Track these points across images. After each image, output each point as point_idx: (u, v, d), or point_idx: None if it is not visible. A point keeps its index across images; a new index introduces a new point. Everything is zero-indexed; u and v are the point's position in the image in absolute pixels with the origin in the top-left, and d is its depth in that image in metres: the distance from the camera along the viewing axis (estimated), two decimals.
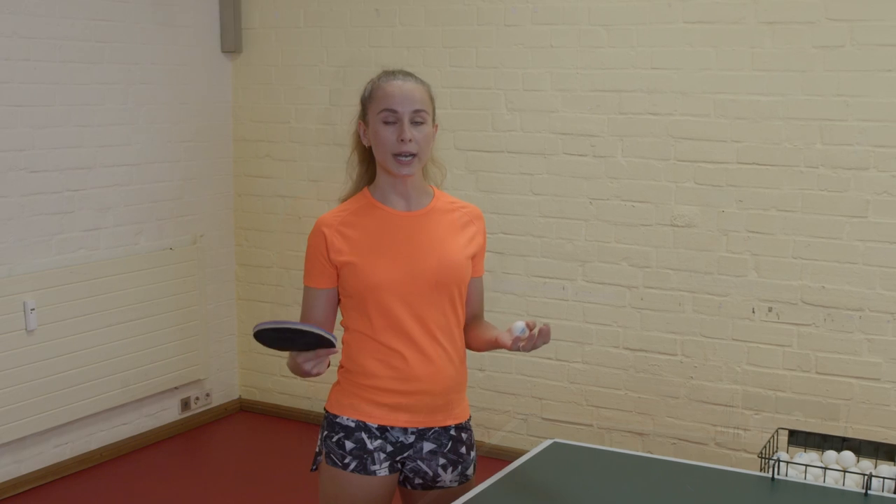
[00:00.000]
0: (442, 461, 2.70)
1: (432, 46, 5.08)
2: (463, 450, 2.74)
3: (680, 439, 4.76)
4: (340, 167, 5.47)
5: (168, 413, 5.45)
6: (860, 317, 4.35)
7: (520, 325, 2.49)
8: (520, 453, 4.87)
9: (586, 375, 4.93)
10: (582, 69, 4.77)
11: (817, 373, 4.45)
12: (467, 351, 2.79)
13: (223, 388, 5.81)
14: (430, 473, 2.70)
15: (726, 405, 4.64)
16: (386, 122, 2.57)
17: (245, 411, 5.89)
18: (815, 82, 4.31)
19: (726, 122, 4.49)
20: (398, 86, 2.59)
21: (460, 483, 2.74)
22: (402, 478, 2.73)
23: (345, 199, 2.72)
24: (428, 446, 2.69)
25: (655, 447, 4.78)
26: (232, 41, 5.55)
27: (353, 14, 5.28)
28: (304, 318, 2.68)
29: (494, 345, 2.65)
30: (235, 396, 5.91)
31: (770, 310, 4.51)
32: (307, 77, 5.46)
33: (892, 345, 4.31)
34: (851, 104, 4.25)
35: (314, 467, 2.75)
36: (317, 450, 2.74)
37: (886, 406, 4.35)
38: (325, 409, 2.73)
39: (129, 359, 5.12)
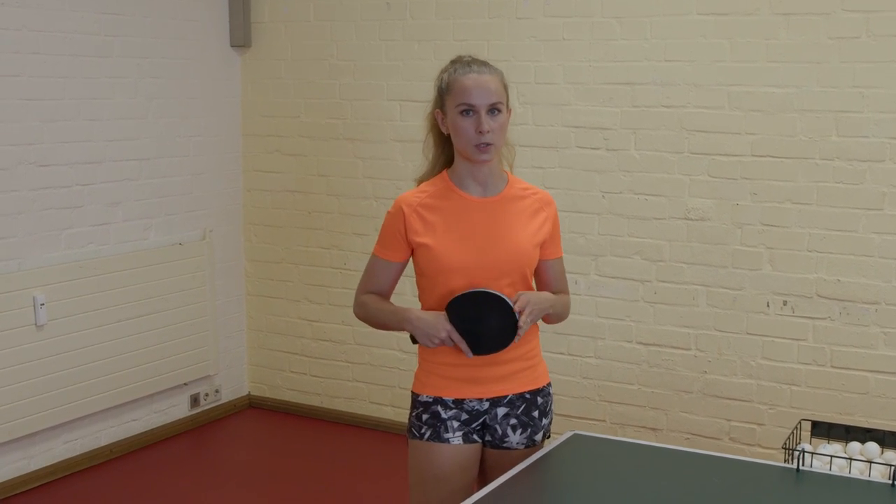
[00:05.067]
0: (513, 422, 2.82)
1: (443, 40, 5.05)
2: (535, 413, 2.85)
3: (694, 434, 4.73)
4: (351, 162, 5.48)
5: (177, 409, 5.43)
6: (876, 310, 4.32)
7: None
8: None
9: (599, 370, 4.90)
10: (594, 62, 4.74)
11: (833, 367, 4.42)
12: None
13: (232, 384, 5.78)
14: (500, 432, 2.82)
15: (741, 400, 4.61)
16: (464, 115, 2.70)
17: (254, 407, 5.86)
18: (830, 74, 4.28)
19: (740, 114, 4.47)
20: (475, 79, 2.70)
21: (527, 446, 2.85)
22: (475, 437, 2.83)
23: (422, 181, 2.87)
24: (502, 411, 2.82)
25: (669, 442, 4.74)
26: (241, 35, 5.53)
27: (364, 7, 5.25)
28: (370, 282, 2.87)
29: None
30: (245, 393, 5.88)
31: (785, 303, 4.48)
32: (317, 71, 5.43)
33: None
34: (867, 95, 4.22)
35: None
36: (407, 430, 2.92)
37: None
38: (411, 391, 2.90)
39: (139, 354, 5.09)
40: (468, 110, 2.68)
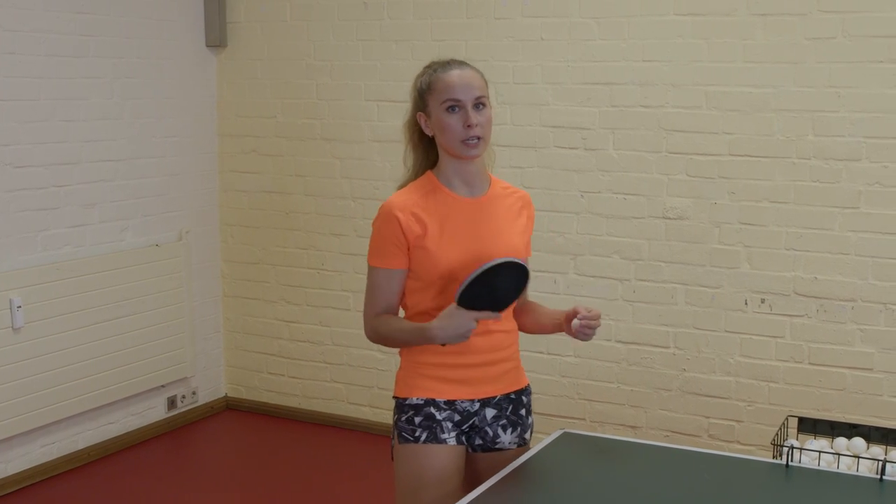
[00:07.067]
0: (503, 422, 2.83)
1: (421, 40, 5.05)
2: (522, 412, 2.88)
3: (673, 431, 4.76)
4: (328, 162, 5.47)
5: (154, 412, 5.39)
6: (852, 307, 4.37)
7: (576, 323, 2.72)
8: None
9: (578, 369, 4.92)
10: (573, 62, 4.76)
11: (810, 363, 4.47)
12: None
13: (209, 385, 5.75)
14: (491, 434, 2.83)
15: (719, 397, 4.65)
16: (450, 111, 2.68)
17: (232, 409, 5.84)
18: (806, 74, 4.33)
19: (718, 114, 4.50)
20: (458, 75, 2.71)
21: (518, 445, 2.87)
22: (463, 441, 2.83)
23: (404, 185, 2.82)
24: (491, 412, 2.82)
25: (648, 440, 4.77)
26: (217, 35, 5.50)
27: (341, 7, 5.24)
28: (378, 299, 2.75)
29: (547, 326, 2.86)
30: (222, 394, 5.85)
31: (763, 301, 4.52)
32: (294, 71, 5.42)
33: (884, 335, 4.33)
34: (843, 95, 4.28)
35: (392, 457, 2.86)
36: (391, 437, 2.87)
37: (879, 396, 4.37)
38: (393, 394, 2.85)
39: (116, 357, 5.05)
40: (454, 106, 2.68)
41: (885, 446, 3.00)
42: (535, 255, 4.88)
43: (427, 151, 2.83)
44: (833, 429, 3.08)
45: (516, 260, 2.60)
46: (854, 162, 4.29)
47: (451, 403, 2.77)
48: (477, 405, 2.80)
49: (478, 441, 2.83)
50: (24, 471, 4.70)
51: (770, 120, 4.41)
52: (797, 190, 4.40)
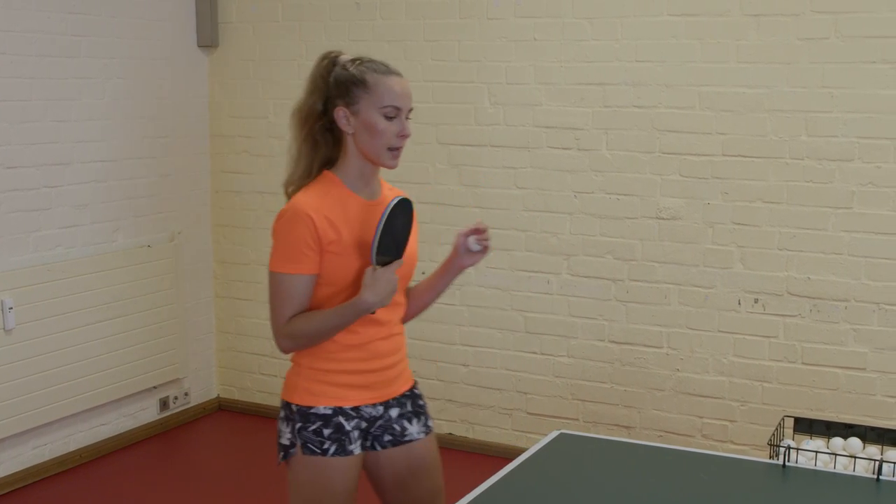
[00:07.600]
0: (407, 415, 2.82)
1: (414, 40, 5.05)
2: (421, 402, 2.88)
3: (666, 432, 4.76)
4: None
5: (147, 413, 5.37)
6: (846, 307, 4.38)
7: (472, 240, 2.75)
8: (506, 449, 4.87)
9: (572, 369, 4.92)
10: (566, 62, 4.76)
11: (803, 363, 4.48)
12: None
13: (201, 387, 5.73)
14: (399, 429, 2.80)
15: (713, 397, 4.66)
16: (388, 118, 2.62)
17: (224, 410, 5.82)
18: (799, 74, 4.33)
19: (711, 114, 4.51)
20: (398, 82, 2.65)
21: (426, 434, 2.85)
22: (370, 443, 2.78)
23: (296, 184, 2.69)
24: (395, 412, 2.80)
25: (642, 440, 4.77)
26: (208, 35, 5.48)
27: (333, 7, 5.23)
28: (289, 308, 2.61)
29: (442, 277, 2.84)
30: (214, 395, 5.83)
31: (756, 301, 4.53)
32: (286, 72, 5.40)
33: (877, 334, 4.35)
34: (836, 96, 4.28)
35: (284, 459, 2.76)
36: (287, 442, 2.73)
37: (872, 395, 4.38)
38: (289, 400, 2.72)
39: (108, 358, 5.03)
40: (392, 113, 2.61)
41: (880, 446, 3.00)
42: (529, 256, 4.91)
43: (325, 147, 2.69)
44: (829, 429, 3.08)
45: (400, 197, 2.59)
46: (847, 162, 4.30)
47: (357, 409, 2.70)
48: (381, 409, 2.76)
49: (387, 437, 2.78)
50: (16, 473, 4.68)
51: (763, 120, 4.42)
52: (790, 190, 4.41)
